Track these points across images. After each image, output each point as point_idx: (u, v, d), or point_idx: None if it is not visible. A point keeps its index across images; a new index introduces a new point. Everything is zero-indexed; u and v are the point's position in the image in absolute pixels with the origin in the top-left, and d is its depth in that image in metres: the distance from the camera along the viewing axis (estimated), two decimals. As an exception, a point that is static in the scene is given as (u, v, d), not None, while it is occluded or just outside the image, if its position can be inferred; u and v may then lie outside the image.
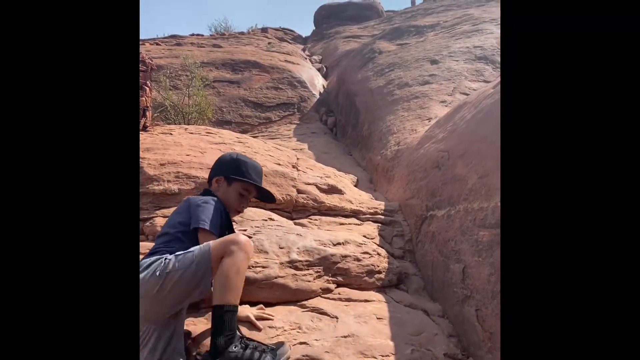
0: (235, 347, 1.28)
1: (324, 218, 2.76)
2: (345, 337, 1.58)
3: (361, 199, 3.12)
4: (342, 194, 3.03)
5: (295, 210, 2.75)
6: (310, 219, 2.73)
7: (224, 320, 1.33)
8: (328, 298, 1.88)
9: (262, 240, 1.97)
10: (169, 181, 2.46)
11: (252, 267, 1.82)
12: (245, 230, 2.08)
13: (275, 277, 1.80)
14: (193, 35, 11.69)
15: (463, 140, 2.42)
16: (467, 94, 4.20)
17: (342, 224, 2.75)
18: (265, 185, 2.70)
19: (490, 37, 5.27)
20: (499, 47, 4.97)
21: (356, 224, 2.80)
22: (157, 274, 1.35)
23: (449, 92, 4.31)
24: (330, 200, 2.89)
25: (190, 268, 1.36)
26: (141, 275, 1.37)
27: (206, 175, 2.53)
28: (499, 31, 5.35)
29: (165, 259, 1.40)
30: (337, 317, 1.69)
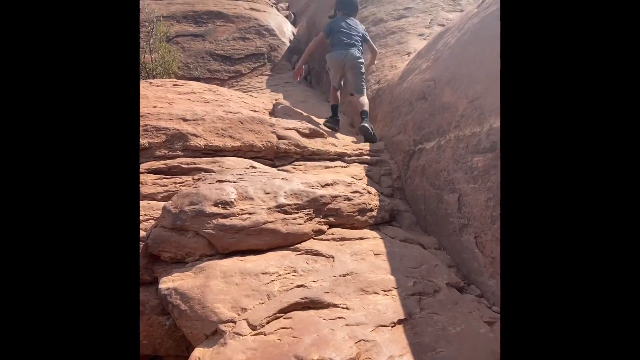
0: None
1: (308, 163, 2.62)
2: (344, 275, 1.50)
3: (345, 142, 2.99)
4: (325, 137, 2.89)
5: (278, 157, 2.60)
6: (294, 165, 2.59)
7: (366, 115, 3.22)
8: (321, 239, 1.78)
9: (246, 187, 1.83)
10: (136, 135, 2.25)
11: (238, 214, 1.69)
12: (223, 179, 1.93)
13: (264, 223, 1.68)
14: (147, -11, 10.79)
15: (449, 65, 2.27)
16: (444, 25, 3.99)
17: (327, 167, 2.63)
18: (242, 132, 2.53)
19: (465, -35, 4.97)
20: (475, -26, 4.71)
21: (342, 167, 2.68)
22: (358, 65, 3.35)
23: (426, 25, 4.09)
24: (313, 144, 2.75)
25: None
26: (357, 56, 3.36)
27: (177, 126, 2.35)
28: (474, -43, 5.06)
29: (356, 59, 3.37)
30: (333, 257, 1.61)
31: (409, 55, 3.56)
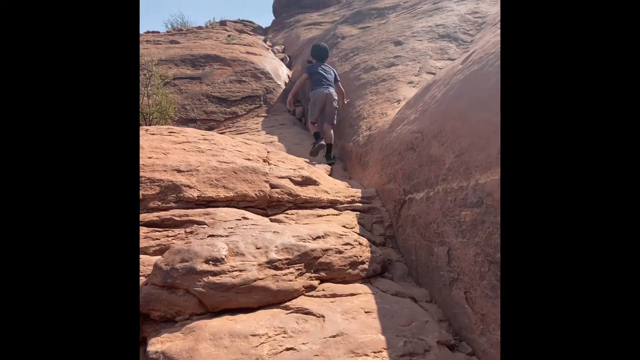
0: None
1: (300, 212, 2.65)
2: (334, 336, 1.50)
3: (337, 188, 3.03)
4: (318, 185, 2.93)
5: (270, 206, 2.63)
6: (287, 214, 2.62)
7: (332, 148, 4.21)
8: (312, 296, 1.78)
9: (237, 242, 1.85)
10: (130, 187, 2.28)
11: (229, 271, 1.70)
12: (214, 234, 1.95)
13: (255, 280, 1.69)
14: (149, 32, 11.17)
15: (436, 119, 2.36)
16: (433, 73, 4.15)
17: (320, 215, 2.65)
18: (235, 182, 2.57)
19: (452, 15, 5.24)
20: (461, 24, 4.95)
21: (334, 214, 2.71)
22: (335, 101, 4.30)
23: (415, 73, 4.26)
24: (306, 192, 2.79)
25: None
26: (335, 96, 4.34)
27: (171, 178, 2.38)
28: (459, 8, 5.33)
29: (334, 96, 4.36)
30: (323, 316, 1.60)
31: (398, 103, 3.68)
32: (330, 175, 3.74)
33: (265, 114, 6.52)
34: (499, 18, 4.52)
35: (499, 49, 2.07)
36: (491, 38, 2.40)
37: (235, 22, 13.27)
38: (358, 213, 2.79)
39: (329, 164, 4.04)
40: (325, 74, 4.39)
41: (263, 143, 4.55)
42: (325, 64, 4.55)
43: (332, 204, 2.83)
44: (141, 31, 11.35)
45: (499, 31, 2.46)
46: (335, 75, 4.51)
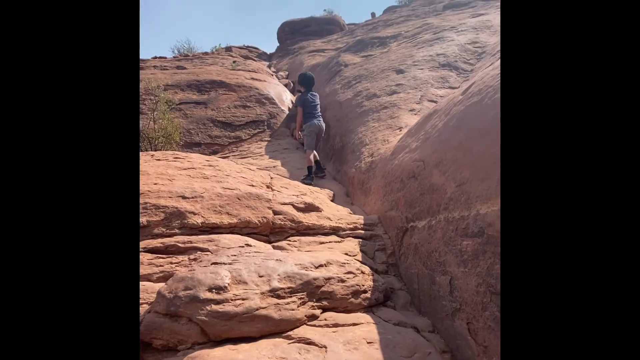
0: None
1: (303, 238, 2.67)
2: (336, 368, 1.49)
3: (340, 215, 3.05)
4: (320, 211, 2.95)
5: (273, 233, 2.65)
6: (289, 240, 2.63)
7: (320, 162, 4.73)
8: (314, 325, 1.78)
9: (240, 270, 1.86)
10: (136, 214, 2.31)
11: (231, 300, 1.71)
12: (218, 262, 1.97)
13: (257, 309, 1.69)
14: (156, 58, 11.45)
15: (437, 148, 2.40)
16: (434, 101, 4.24)
17: (322, 242, 2.67)
18: (239, 208, 2.60)
19: (452, 45, 5.38)
20: (461, 53, 5.07)
21: (337, 242, 2.72)
22: (324, 132, 4.90)
23: (416, 101, 4.34)
24: (308, 219, 2.81)
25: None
26: (323, 124, 4.82)
27: (176, 204, 2.41)
28: (459, 38, 5.48)
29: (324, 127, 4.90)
30: (325, 347, 1.60)
31: (400, 130, 3.74)
32: (332, 201, 3.77)
33: (269, 139, 6.61)
34: (498, 48, 4.64)
35: (498, 83, 2.13)
36: (490, 71, 2.47)
37: (240, 48, 13.59)
38: (360, 240, 2.80)
39: (321, 175, 4.65)
40: (314, 104, 4.81)
41: (266, 167, 4.60)
42: (312, 91, 4.91)
43: (335, 231, 2.85)
44: (149, 56, 11.62)
45: (497, 62, 2.53)
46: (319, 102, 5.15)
